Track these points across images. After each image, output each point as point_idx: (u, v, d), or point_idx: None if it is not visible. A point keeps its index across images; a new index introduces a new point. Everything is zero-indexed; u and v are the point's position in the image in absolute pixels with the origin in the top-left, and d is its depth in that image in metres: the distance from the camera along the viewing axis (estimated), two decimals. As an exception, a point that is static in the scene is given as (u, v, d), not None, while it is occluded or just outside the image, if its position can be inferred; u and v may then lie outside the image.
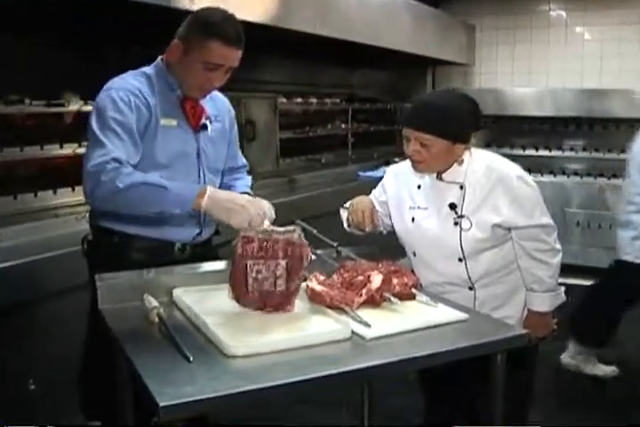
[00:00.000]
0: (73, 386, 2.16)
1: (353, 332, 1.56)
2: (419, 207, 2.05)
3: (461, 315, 1.74)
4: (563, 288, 2.06)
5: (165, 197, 1.69)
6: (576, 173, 5.48)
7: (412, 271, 2.03)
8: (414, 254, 2.10)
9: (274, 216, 1.74)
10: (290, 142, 4.71)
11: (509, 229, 1.99)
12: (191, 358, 1.41)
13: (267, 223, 1.69)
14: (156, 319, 1.62)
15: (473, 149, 2.07)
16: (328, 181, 4.64)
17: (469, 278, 2.02)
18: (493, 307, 2.03)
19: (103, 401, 1.98)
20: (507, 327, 1.72)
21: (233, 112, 2.14)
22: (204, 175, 2.00)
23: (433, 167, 2.00)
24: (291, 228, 1.65)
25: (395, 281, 1.84)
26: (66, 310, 2.37)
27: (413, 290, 1.87)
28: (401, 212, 2.10)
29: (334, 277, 1.85)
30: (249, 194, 2.07)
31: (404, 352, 1.51)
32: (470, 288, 2.03)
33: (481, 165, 2.03)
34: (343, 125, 5.56)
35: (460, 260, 1.99)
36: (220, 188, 1.99)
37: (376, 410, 2.33)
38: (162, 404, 1.24)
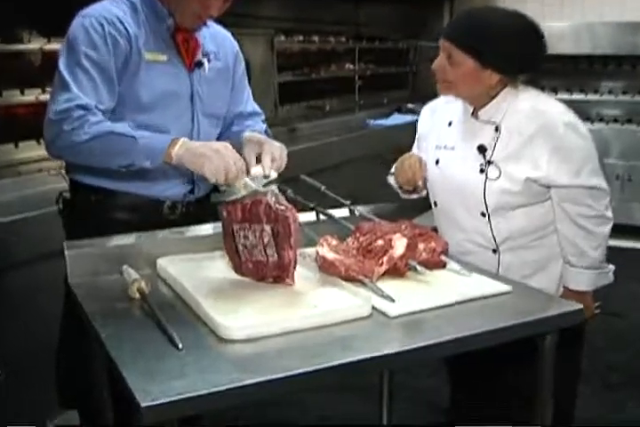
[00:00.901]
0: (48, 370, 2.07)
1: (374, 308, 1.46)
2: (445, 147, 1.96)
3: (503, 286, 1.61)
4: (611, 267, 1.93)
5: (133, 148, 1.65)
6: (615, 120, 5.35)
7: (435, 230, 1.95)
8: (435, 204, 2.02)
9: (284, 162, 1.73)
10: (289, 87, 4.63)
11: (549, 188, 1.86)
12: (180, 345, 1.29)
13: (250, 176, 1.62)
14: (137, 295, 1.52)
15: (522, 88, 1.92)
16: (333, 131, 4.57)
17: (493, 239, 1.91)
18: (521, 276, 1.87)
19: (80, 388, 1.91)
20: (559, 302, 1.60)
21: (238, 49, 2.08)
22: (198, 121, 1.94)
23: (456, 90, 1.89)
24: (271, 187, 1.58)
25: (421, 246, 1.72)
26: (39, 282, 2.33)
27: (443, 257, 1.74)
28: (426, 152, 2.02)
29: (349, 241, 1.73)
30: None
31: (436, 334, 1.39)
32: (494, 251, 1.92)
33: (525, 105, 1.88)
34: (350, 67, 5.45)
35: (484, 215, 1.88)
36: (221, 139, 1.97)
37: (396, 393, 2.25)
38: (144, 404, 1.11)
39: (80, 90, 1.69)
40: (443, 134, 1.99)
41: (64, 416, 2.15)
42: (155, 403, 1.12)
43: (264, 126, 2.13)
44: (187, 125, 1.91)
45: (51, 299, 1.97)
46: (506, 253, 1.92)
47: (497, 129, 1.87)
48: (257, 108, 2.16)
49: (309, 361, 1.25)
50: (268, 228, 1.51)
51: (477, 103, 1.91)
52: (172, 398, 1.13)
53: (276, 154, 1.76)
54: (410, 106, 5.49)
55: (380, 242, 1.67)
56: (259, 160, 1.76)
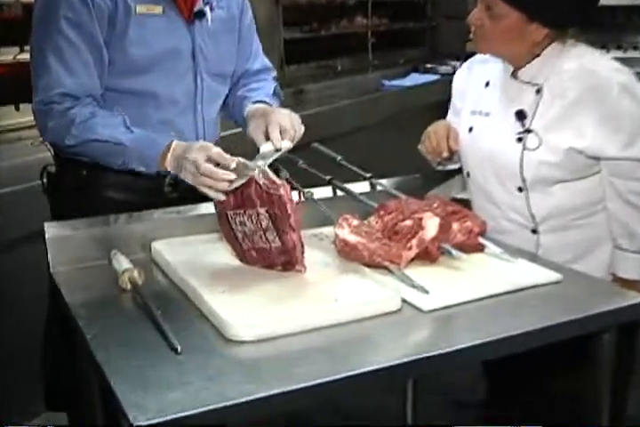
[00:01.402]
0: (34, 369, 2.00)
1: (404, 301, 1.37)
2: (480, 113, 1.88)
3: (553, 275, 1.49)
4: None
5: (124, 154, 1.62)
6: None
7: (467, 204, 1.87)
8: (468, 175, 1.94)
9: (299, 130, 1.64)
10: (296, 44, 4.53)
11: (597, 159, 1.76)
12: (179, 348, 1.18)
13: (261, 154, 1.55)
14: (129, 286, 1.42)
15: (570, 44, 1.79)
16: (345, 93, 4.46)
17: (532, 217, 1.82)
18: (563, 260, 1.74)
19: (68, 388, 1.80)
20: (619, 293, 1.47)
21: None
22: (202, 81, 1.83)
23: (496, 48, 1.79)
24: (258, 163, 1.46)
25: (455, 227, 1.60)
26: (20, 268, 2.27)
27: (480, 239, 1.62)
28: (460, 117, 1.95)
29: (371, 221, 1.62)
30: (266, 103, 1.88)
31: (479, 332, 1.27)
32: (533, 231, 1.83)
33: (572, 64, 1.75)
34: (362, 22, 5.31)
35: (520, 190, 1.79)
36: (228, 103, 1.93)
37: (423, 390, 2.17)
38: (136, 424, 0.98)
39: (62, 67, 1.62)
40: (478, 98, 1.90)
41: (48, 415, 2.08)
42: (149, 423, 0.99)
43: (273, 86, 1.99)
44: (189, 88, 1.81)
45: (36, 286, 1.87)
46: (546, 235, 1.83)
47: (539, 92, 1.77)
48: (267, 63, 2.04)
49: (333, 367, 1.14)
50: (263, 211, 1.42)
51: (518, 62, 1.80)
52: (171, 417, 1.01)
53: (284, 123, 1.63)
54: (428, 65, 5.36)
55: (408, 222, 1.57)
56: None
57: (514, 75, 1.81)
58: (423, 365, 1.21)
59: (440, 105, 2.28)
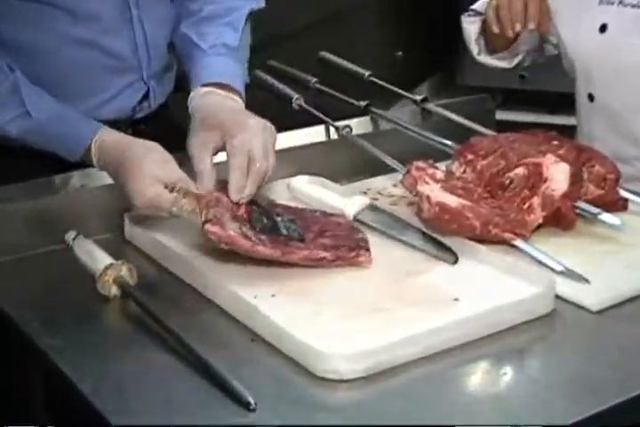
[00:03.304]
0: None
1: (557, 297, 1.20)
2: (620, 2, 1.73)
3: None
4: None
5: (47, 142, 1.51)
6: None
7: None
8: (590, 98, 1.79)
9: (270, 168, 1.39)
10: None
11: None
12: (252, 402, 0.95)
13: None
14: (116, 293, 1.23)
15: None
16: None
17: None
18: None
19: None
20: None
21: None
22: (138, 3, 1.68)
23: None
24: None
25: (584, 175, 1.46)
26: None
27: (621, 191, 1.48)
28: (578, 10, 1.78)
29: (454, 169, 1.49)
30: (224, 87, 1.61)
31: None
32: None
33: None
34: None
35: None
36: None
37: None
38: None
39: None
40: None
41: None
42: None
43: (236, 41, 1.70)
44: (123, 18, 1.66)
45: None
46: None
47: None
48: None
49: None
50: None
51: None
52: None
53: (255, 150, 1.39)
54: None
55: (519, 170, 1.43)
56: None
57: None
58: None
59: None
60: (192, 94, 1.57)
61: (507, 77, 2.61)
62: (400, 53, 3.27)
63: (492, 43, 1.83)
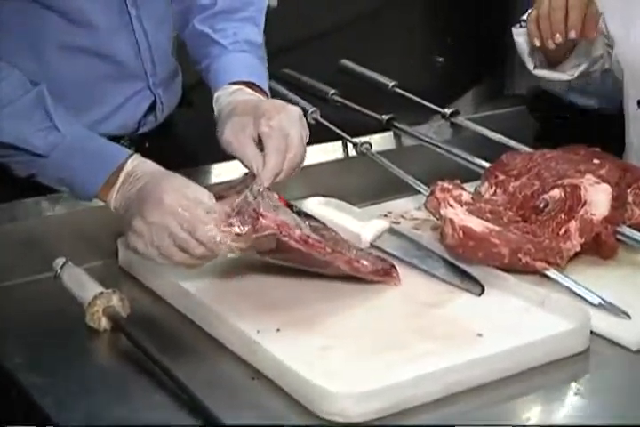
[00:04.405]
0: None
1: (593, 333, 1.22)
2: None
3: None
4: None
5: (46, 175, 1.49)
6: None
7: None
8: None
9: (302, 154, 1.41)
10: None
11: None
12: None
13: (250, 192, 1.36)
14: (106, 325, 1.27)
15: None
16: None
17: None
18: None
19: None
20: None
21: None
22: (137, 7, 1.71)
23: None
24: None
25: (629, 197, 1.50)
26: None
27: None
28: (630, 12, 1.80)
29: (482, 190, 1.55)
30: (249, 85, 1.65)
31: None
32: None
33: None
34: None
35: None
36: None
37: None
38: None
39: None
40: None
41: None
42: None
43: (259, 40, 1.77)
44: (121, 20, 1.68)
45: None
46: None
47: None
48: None
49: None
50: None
51: None
52: None
53: (293, 133, 1.40)
54: None
55: (556, 192, 1.47)
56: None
57: None
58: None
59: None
60: (218, 93, 1.60)
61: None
62: (441, 60, 3.31)
63: (547, 55, 1.85)
